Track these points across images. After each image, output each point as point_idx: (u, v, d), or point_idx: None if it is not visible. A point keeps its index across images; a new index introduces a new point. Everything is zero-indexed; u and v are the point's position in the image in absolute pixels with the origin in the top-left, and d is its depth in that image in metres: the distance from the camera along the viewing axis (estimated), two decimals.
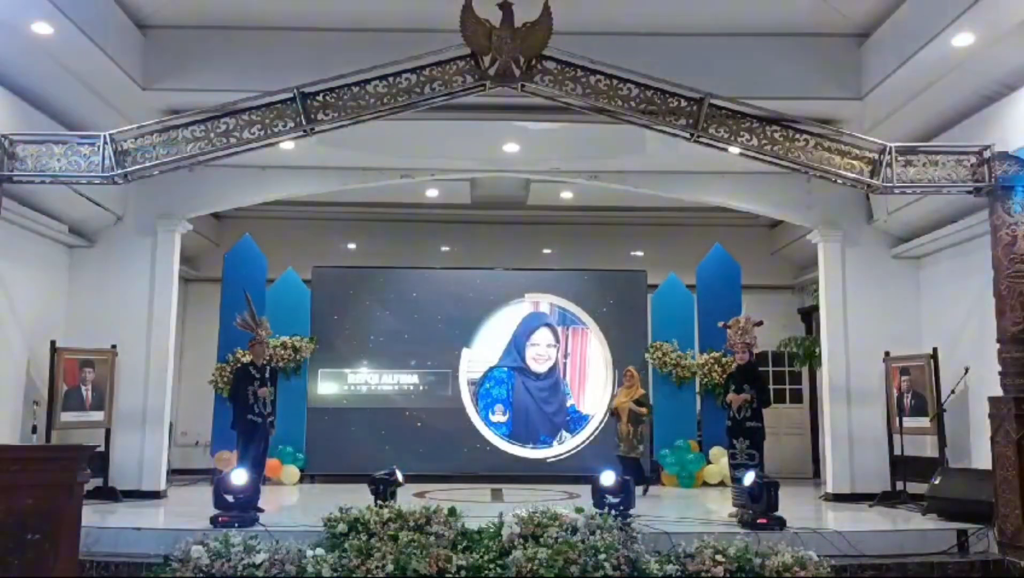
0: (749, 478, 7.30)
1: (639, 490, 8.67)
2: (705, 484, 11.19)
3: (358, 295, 12.24)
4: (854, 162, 7.41)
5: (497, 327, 12.30)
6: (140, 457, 9.41)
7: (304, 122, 7.12)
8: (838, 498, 9.53)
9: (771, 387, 11.07)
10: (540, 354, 12.27)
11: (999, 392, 7.07)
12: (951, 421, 8.90)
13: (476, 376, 12.15)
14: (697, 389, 11.75)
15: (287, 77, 7.30)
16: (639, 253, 13.78)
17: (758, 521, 7.05)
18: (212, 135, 7.19)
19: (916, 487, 8.83)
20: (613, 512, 6.77)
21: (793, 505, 7.60)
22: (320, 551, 6.23)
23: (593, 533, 6.32)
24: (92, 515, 7.20)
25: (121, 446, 9.38)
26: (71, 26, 6.98)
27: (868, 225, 10.11)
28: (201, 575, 6.02)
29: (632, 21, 8.19)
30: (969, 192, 7.48)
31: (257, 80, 7.67)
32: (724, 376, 10.55)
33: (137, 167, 7.28)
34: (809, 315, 13.25)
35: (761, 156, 7.41)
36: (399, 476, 7.48)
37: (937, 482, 8.15)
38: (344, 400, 11.92)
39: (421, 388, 12.01)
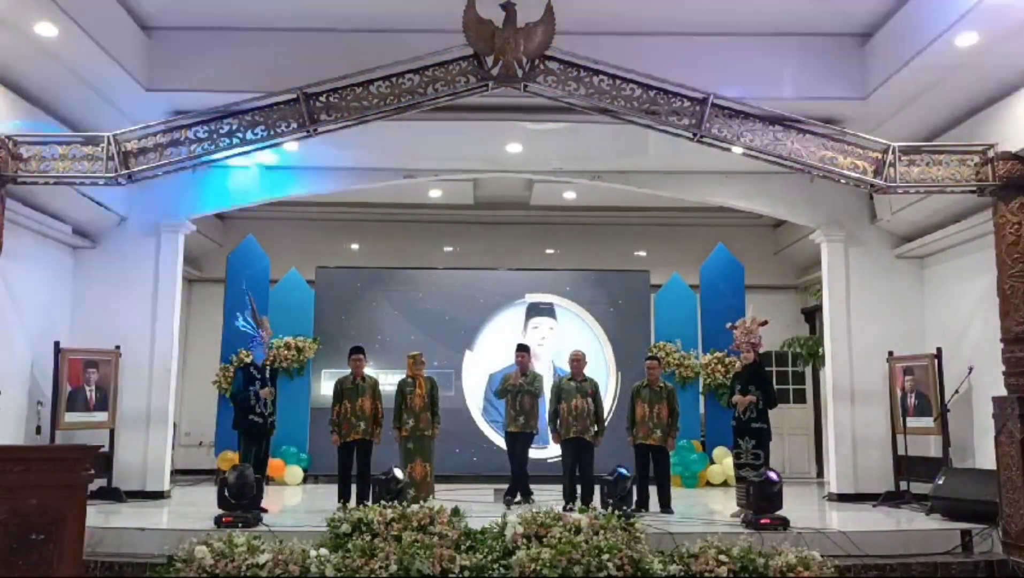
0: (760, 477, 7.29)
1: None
2: (708, 484, 11.18)
3: (361, 296, 12.27)
4: (857, 162, 7.40)
5: (500, 327, 12.31)
6: (144, 457, 9.41)
7: (307, 123, 7.13)
8: (842, 498, 9.52)
9: (775, 387, 11.04)
10: (544, 337, 12.31)
11: (1003, 392, 7.06)
12: (955, 421, 8.88)
13: (481, 377, 12.16)
14: (700, 389, 11.75)
15: (290, 78, 7.30)
16: (642, 253, 13.78)
17: (761, 521, 7.03)
18: (216, 136, 7.20)
19: (920, 487, 8.83)
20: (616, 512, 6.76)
21: (797, 505, 7.59)
22: (324, 551, 6.23)
23: (596, 533, 6.32)
24: (96, 515, 7.24)
25: (125, 446, 9.39)
26: (75, 27, 6.97)
27: (871, 225, 10.09)
28: (205, 575, 6.02)
29: (635, 21, 8.18)
30: (973, 191, 7.47)
31: (260, 81, 7.66)
32: (728, 376, 10.53)
33: (141, 168, 7.30)
34: (812, 315, 13.26)
35: (764, 156, 7.41)
36: (400, 476, 7.44)
37: (941, 482, 8.14)
38: None
39: None
